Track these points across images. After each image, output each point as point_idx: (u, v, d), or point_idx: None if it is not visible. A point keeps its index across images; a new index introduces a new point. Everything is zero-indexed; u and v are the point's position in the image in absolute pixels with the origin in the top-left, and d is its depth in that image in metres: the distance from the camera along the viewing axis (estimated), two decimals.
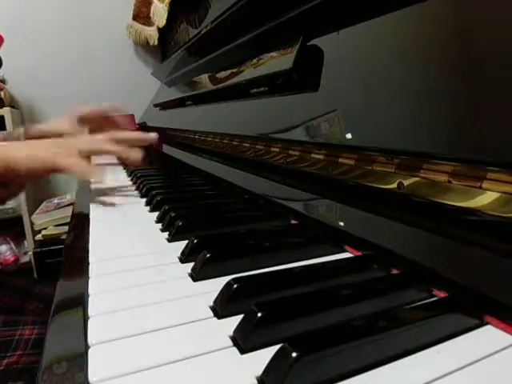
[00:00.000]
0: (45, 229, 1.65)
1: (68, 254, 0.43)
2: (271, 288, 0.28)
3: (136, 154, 0.65)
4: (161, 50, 1.94)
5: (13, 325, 0.68)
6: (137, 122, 1.79)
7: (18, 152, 0.58)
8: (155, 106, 1.52)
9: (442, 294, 0.28)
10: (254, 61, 0.65)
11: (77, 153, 0.60)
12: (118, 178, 0.89)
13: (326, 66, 0.46)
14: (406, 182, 0.32)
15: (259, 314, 0.23)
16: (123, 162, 0.87)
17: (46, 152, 0.58)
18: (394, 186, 0.33)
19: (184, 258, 0.37)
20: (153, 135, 0.77)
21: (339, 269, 0.32)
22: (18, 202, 1.64)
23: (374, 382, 0.20)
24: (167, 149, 1.19)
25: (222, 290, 0.28)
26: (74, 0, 1.85)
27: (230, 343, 0.24)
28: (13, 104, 1.74)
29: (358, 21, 0.42)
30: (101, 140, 0.66)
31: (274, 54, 0.59)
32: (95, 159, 0.88)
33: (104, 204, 0.62)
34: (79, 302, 0.30)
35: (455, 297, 0.26)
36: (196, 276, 0.32)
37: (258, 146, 0.58)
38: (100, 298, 0.30)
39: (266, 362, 0.20)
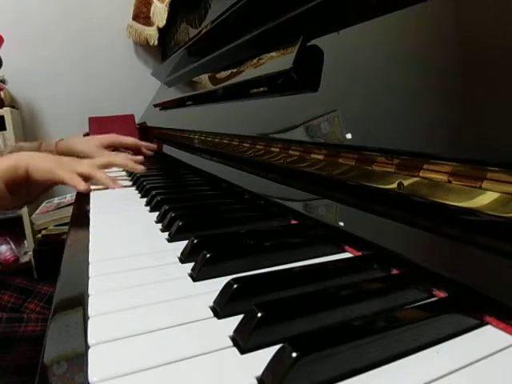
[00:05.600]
0: (45, 229, 1.65)
1: (68, 254, 0.43)
2: (271, 288, 0.28)
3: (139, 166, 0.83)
4: (161, 50, 1.94)
5: (16, 321, 0.69)
6: (137, 122, 1.79)
7: (40, 164, 0.69)
8: (155, 106, 1.52)
9: (442, 294, 0.28)
10: (254, 61, 0.65)
11: (95, 167, 0.75)
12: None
13: (325, 66, 0.46)
14: (406, 182, 0.32)
15: (259, 315, 0.23)
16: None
17: (61, 169, 0.70)
18: (394, 186, 0.33)
19: (184, 258, 0.37)
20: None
21: (339, 269, 0.32)
22: None
23: (374, 382, 0.20)
24: (167, 149, 1.19)
25: (221, 290, 0.28)
26: (74, 0, 1.85)
27: (230, 343, 0.24)
28: (13, 104, 1.74)
29: (358, 21, 0.42)
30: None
31: (273, 54, 0.59)
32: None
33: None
34: (79, 302, 0.30)
35: (455, 297, 0.26)
36: (196, 276, 0.32)
37: (257, 146, 0.58)
38: (100, 298, 0.30)
39: (266, 362, 0.20)
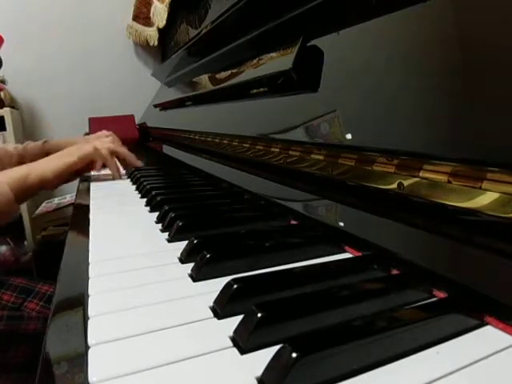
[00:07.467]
0: (45, 229, 1.65)
1: (68, 254, 0.43)
2: (271, 288, 0.28)
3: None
4: (161, 50, 1.94)
5: (17, 319, 0.70)
6: (137, 122, 1.79)
7: (50, 165, 0.73)
8: (155, 106, 1.52)
9: (442, 294, 0.28)
10: (254, 61, 0.65)
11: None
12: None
13: (325, 66, 0.46)
14: (406, 183, 0.32)
15: (259, 315, 0.23)
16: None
17: (72, 156, 0.76)
18: (394, 186, 0.33)
19: (184, 258, 0.37)
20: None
21: (339, 269, 0.32)
22: None
23: (374, 382, 0.20)
24: (167, 149, 1.19)
25: (221, 291, 0.28)
26: (74, 0, 1.85)
27: (230, 344, 0.24)
28: (13, 104, 1.74)
29: (358, 21, 0.42)
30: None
31: (273, 54, 0.59)
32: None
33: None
34: (79, 302, 0.30)
35: (455, 297, 0.26)
36: (196, 276, 0.32)
37: (257, 147, 0.58)
38: (100, 299, 0.30)
39: (266, 362, 0.20)
